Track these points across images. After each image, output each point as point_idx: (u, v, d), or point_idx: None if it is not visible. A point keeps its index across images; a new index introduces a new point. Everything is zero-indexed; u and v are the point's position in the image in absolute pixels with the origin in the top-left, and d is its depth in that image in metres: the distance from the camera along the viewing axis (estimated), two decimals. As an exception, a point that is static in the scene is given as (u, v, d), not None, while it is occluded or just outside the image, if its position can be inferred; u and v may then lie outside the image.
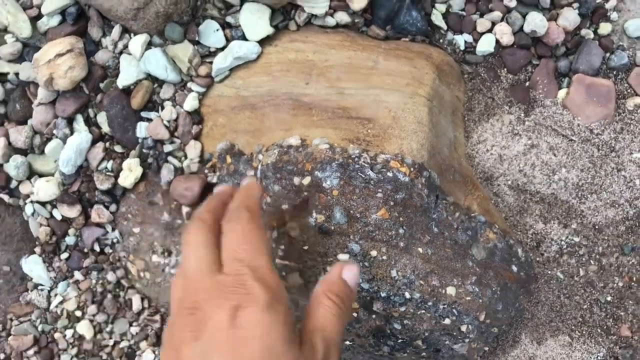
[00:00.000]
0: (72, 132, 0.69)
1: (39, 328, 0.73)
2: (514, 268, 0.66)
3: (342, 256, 0.58)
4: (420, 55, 0.67)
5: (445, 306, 0.61)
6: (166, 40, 0.66)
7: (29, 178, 0.70)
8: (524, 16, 0.69)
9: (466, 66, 0.71)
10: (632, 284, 0.70)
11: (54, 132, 0.68)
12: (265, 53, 0.67)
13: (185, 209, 0.68)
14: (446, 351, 0.64)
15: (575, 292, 0.71)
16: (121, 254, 0.73)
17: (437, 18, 0.69)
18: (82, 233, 0.72)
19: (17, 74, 0.68)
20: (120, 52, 0.67)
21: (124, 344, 0.73)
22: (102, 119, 0.69)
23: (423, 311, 0.61)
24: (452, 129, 0.68)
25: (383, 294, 0.59)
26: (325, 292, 0.48)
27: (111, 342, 0.73)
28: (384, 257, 0.58)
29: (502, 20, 0.70)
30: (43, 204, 0.71)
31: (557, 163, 0.69)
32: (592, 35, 0.71)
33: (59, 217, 0.71)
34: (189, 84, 0.68)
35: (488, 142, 0.70)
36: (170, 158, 0.68)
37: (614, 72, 0.71)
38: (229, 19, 0.67)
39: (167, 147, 0.68)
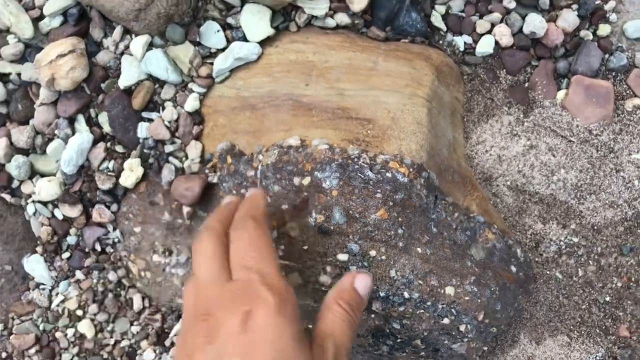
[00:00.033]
0: (73, 132, 0.69)
1: (41, 327, 0.74)
2: (513, 268, 0.66)
3: (342, 256, 0.58)
4: (420, 57, 0.67)
5: (444, 306, 0.61)
6: (167, 41, 0.66)
7: (30, 178, 0.71)
8: (523, 17, 0.69)
9: (465, 67, 0.71)
10: (631, 284, 0.71)
11: (56, 132, 0.69)
12: (266, 54, 0.67)
13: (186, 209, 0.68)
14: (445, 351, 0.64)
15: (574, 293, 0.71)
16: (122, 254, 0.73)
17: (436, 19, 0.69)
18: (83, 233, 0.72)
19: (19, 75, 0.69)
20: (122, 53, 0.68)
21: (124, 343, 0.73)
22: (103, 119, 0.69)
23: (422, 311, 0.61)
24: (451, 130, 0.68)
25: (382, 294, 0.60)
26: (336, 299, 0.50)
27: (112, 341, 0.74)
28: (383, 257, 0.58)
29: (501, 21, 0.70)
30: (45, 203, 0.71)
31: (556, 164, 0.70)
32: (591, 37, 0.71)
33: (60, 217, 0.71)
34: (190, 85, 0.68)
35: (487, 143, 0.70)
36: (171, 158, 0.69)
37: (613, 74, 0.72)
38: (229, 20, 0.67)
39: (168, 148, 0.68)
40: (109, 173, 0.69)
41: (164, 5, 0.63)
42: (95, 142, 0.69)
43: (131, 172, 0.69)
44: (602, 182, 0.70)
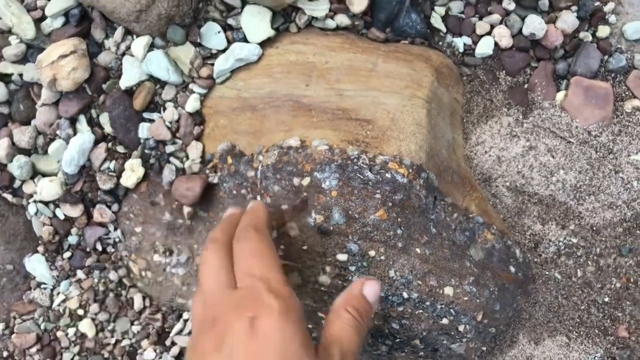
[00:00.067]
0: (75, 133, 0.69)
1: (42, 326, 0.74)
2: (512, 269, 0.66)
3: (341, 256, 0.58)
4: (419, 58, 0.67)
5: (443, 306, 0.61)
6: (168, 42, 0.67)
7: (32, 178, 0.71)
8: (522, 19, 0.70)
9: (465, 68, 0.71)
10: (630, 285, 0.71)
11: (57, 132, 0.69)
12: (266, 55, 0.68)
13: (186, 209, 0.68)
14: (444, 351, 0.65)
15: (573, 293, 0.71)
16: (123, 253, 0.73)
17: (436, 21, 0.70)
18: (84, 232, 0.73)
19: (21, 75, 0.69)
20: (123, 54, 0.68)
21: (125, 342, 0.74)
22: (104, 119, 0.69)
23: (421, 311, 0.61)
24: (451, 131, 0.69)
25: (381, 294, 0.60)
26: (345, 305, 0.51)
27: (113, 341, 0.74)
28: (382, 258, 0.58)
29: (501, 23, 0.70)
30: (46, 203, 0.71)
31: (555, 165, 0.70)
32: (590, 38, 0.71)
33: (61, 217, 0.72)
34: (191, 86, 0.68)
35: (486, 144, 0.71)
36: (172, 158, 0.69)
37: (612, 75, 0.72)
38: (230, 21, 0.67)
39: (169, 148, 0.69)
40: (110, 173, 0.70)
41: (164, 7, 0.63)
42: (96, 143, 0.69)
43: (132, 172, 0.69)
44: (601, 183, 0.70)
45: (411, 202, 0.58)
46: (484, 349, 0.67)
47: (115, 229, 0.73)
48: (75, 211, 0.71)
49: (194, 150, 0.68)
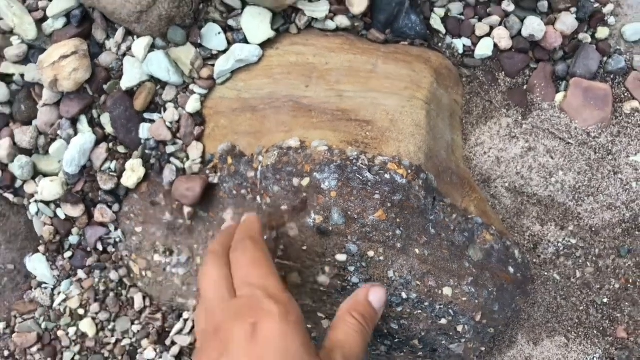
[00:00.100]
0: (76, 133, 0.70)
1: (43, 326, 0.74)
2: (511, 269, 0.67)
3: (340, 256, 0.58)
4: (419, 59, 0.67)
5: (442, 306, 0.61)
6: (169, 43, 0.67)
7: (33, 178, 0.71)
8: (522, 20, 0.70)
9: (464, 70, 0.72)
10: (629, 286, 0.71)
11: (58, 132, 0.69)
12: (267, 56, 0.68)
13: (186, 209, 0.69)
14: (443, 351, 0.65)
15: (572, 294, 0.71)
16: (124, 253, 0.74)
17: (436, 22, 0.70)
18: (85, 232, 0.73)
19: (22, 76, 0.69)
20: (124, 55, 0.68)
21: (125, 342, 0.74)
22: (105, 120, 0.70)
23: (419, 311, 0.61)
24: (450, 132, 0.69)
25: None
26: (350, 311, 0.52)
27: (113, 340, 0.74)
28: (381, 258, 0.59)
29: (500, 24, 0.70)
30: (47, 203, 0.72)
31: (554, 166, 0.70)
32: (589, 40, 0.71)
33: (62, 217, 0.72)
34: (191, 86, 0.69)
35: (486, 145, 0.71)
36: (172, 159, 0.69)
37: (611, 76, 0.72)
38: (230, 22, 0.67)
39: (170, 148, 0.69)
40: (110, 173, 0.70)
41: (165, 8, 0.63)
42: (97, 143, 0.70)
43: (133, 172, 0.69)
44: (600, 184, 0.70)
45: (410, 202, 0.59)
46: (483, 349, 0.68)
47: (116, 228, 0.73)
48: (76, 211, 0.71)
49: (195, 150, 0.68)
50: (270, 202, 0.60)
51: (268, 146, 0.62)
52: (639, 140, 0.70)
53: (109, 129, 0.70)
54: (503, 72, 0.72)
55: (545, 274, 0.71)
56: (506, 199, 0.71)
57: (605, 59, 0.72)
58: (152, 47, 0.67)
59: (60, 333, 0.74)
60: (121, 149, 0.70)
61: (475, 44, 0.71)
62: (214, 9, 0.67)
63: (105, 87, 0.69)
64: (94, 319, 0.74)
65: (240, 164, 0.65)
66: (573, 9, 0.70)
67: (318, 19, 0.68)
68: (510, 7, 0.70)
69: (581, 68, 0.71)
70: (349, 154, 0.59)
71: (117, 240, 0.73)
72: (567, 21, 0.69)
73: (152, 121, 0.69)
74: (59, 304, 0.74)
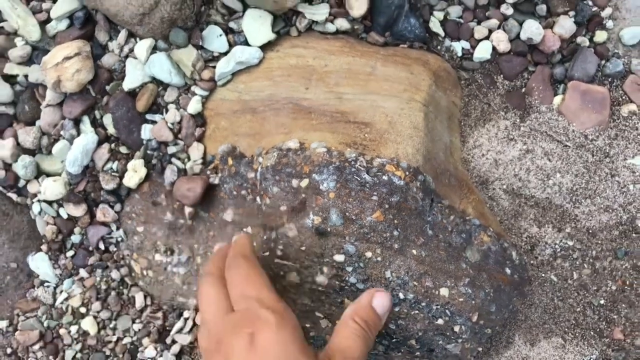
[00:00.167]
0: (78, 133, 0.70)
1: (45, 324, 0.75)
2: (508, 270, 0.67)
3: (338, 257, 0.59)
4: (418, 62, 0.68)
5: (439, 307, 0.62)
6: (171, 44, 0.68)
7: (36, 177, 0.72)
8: (520, 24, 0.70)
9: (463, 72, 0.72)
10: (625, 287, 0.71)
11: (61, 133, 0.70)
12: (267, 58, 0.68)
13: (187, 209, 0.69)
14: (440, 351, 0.65)
15: (569, 295, 0.72)
16: (125, 253, 0.74)
17: (435, 25, 0.70)
18: (87, 231, 0.73)
19: (26, 76, 0.70)
20: (126, 56, 0.69)
21: (126, 340, 0.74)
22: (107, 120, 0.70)
23: (416, 311, 0.62)
24: (448, 134, 0.69)
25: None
26: (353, 316, 0.53)
27: (114, 338, 0.74)
28: (379, 259, 0.59)
29: (499, 27, 0.71)
30: (50, 202, 0.72)
31: (552, 168, 0.71)
32: (587, 43, 0.72)
33: (65, 216, 0.73)
34: (193, 88, 0.69)
35: (484, 147, 0.71)
36: (173, 159, 0.70)
37: (609, 79, 0.72)
38: (232, 24, 0.68)
39: (171, 149, 0.70)
40: (113, 173, 0.71)
41: (167, 10, 0.64)
42: (99, 143, 0.70)
43: (134, 172, 0.70)
44: (598, 187, 0.71)
45: (408, 204, 0.59)
46: (480, 349, 0.68)
47: (118, 228, 0.74)
48: (78, 211, 0.72)
49: (196, 151, 0.69)
50: (270, 203, 0.61)
51: (268, 147, 0.63)
52: (637, 143, 0.71)
53: (111, 130, 0.70)
54: (501, 75, 0.72)
55: (543, 275, 0.71)
56: (504, 200, 0.71)
57: (603, 62, 0.72)
58: (154, 49, 0.68)
59: (62, 331, 0.75)
60: (123, 150, 0.71)
61: (473, 47, 0.71)
62: (216, 12, 0.68)
63: (107, 88, 0.70)
64: (95, 317, 0.74)
65: (240, 165, 0.66)
66: (571, 13, 0.71)
67: (318, 22, 0.68)
68: (509, 11, 0.70)
69: (579, 71, 0.71)
70: (347, 155, 0.59)
71: (119, 239, 0.74)
72: (566, 25, 0.70)
73: (153, 122, 0.70)
74: (61, 303, 0.75)
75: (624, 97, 0.72)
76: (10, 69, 0.70)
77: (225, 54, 0.68)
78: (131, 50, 0.68)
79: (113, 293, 0.75)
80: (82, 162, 0.69)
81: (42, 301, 0.75)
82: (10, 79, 0.71)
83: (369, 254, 0.59)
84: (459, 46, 0.71)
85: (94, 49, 0.69)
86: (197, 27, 0.68)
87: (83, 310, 0.74)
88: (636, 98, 0.72)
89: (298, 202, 0.59)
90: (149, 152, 0.70)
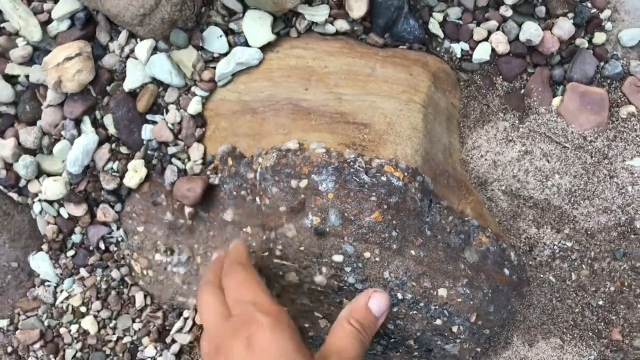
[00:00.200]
0: (79, 134, 0.70)
1: (45, 323, 0.75)
2: (506, 271, 0.67)
3: (337, 257, 0.59)
4: (417, 63, 0.68)
5: (437, 307, 0.62)
6: (171, 45, 0.68)
7: (37, 177, 0.72)
8: (519, 25, 0.71)
9: (462, 74, 0.72)
10: (624, 288, 0.72)
11: (62, 133, 0.70)
12: (267, 59, 0.69)
13: (187, 209, 0.69)
14: (438, 351, 0.66)
15: (567, 296, 0.72)
16: (125, 252, 0.74)
17: (434, 26, 0.71)
18: (87, 231, 0.74)
19: (27, 77, 0.70)
20: (127, 57, 0.69)
21: (126, 339, 0.74)
22: (108, 121, 0.70)
23: (415, 312, 0.62)
24: (447, 135, 0.69)
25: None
26: (348, 317, 0.54)
27: (114, 338, 0.75)
28: (377, 259, 0.60)
29: (498, 29, 0.71)
30: (51, 202, 0.73)
31: (551, 169, 0.71)
32: (586, 45, 0.72)
33: (65, 216, 0.73)
34: (193, 88, 0.69)
35: (482, 148, 0.72)
36: (173, 160, 0.70)
37: (608, 81, 0.73)
38: (232, 25, 0.68)
39: (171, 149, 0.70)
40: (113, 173, 0.71)
41: (168, 11, 0.64)
42: (100, 143, 0.71)
43: (135, 172, 0.70)
44: (596, 188, 0.71)
45: (406, 204, 0.60)
46: (478, 349, 0.68)
47: (118, 228, 0.74)
48: (79, 210, 0.72)
49: (196, 151, 0.69)
50: (269, 203, 0.61)
51: (267, 148, 0.63)
52: (635, 144, 0.71)
53: (111, 130, 0.71)
54: (500, 76, 0.73)
55: (541, 276, 0.72)
56: (502, 201, 0.71)
57: (602, 64, 0.72)
58: (155, 50, 0.68)
59: (62, 330, 0.75)
60: (124, 150, 0.71)
61: (473, 49, 0.72)
62: (216, 13, 0.68)
63: (108, 88, 0.70)
64: (95, 316, 0.75)
65: (240, 165, 0.66)
66: (570, 15, 0.71)
67: (318, 23, 0.69)
68: (508, 12, 0.70)
69: (578, 73, 0.71)
70: (346, 156, 0.60)
71: (119, 239, 0.74)
72: (565, 26, 0.70)
73: (154, 122, 0.70)
74: (62, 302, 0.75)
75: (622, 99, 0.72)
76: (11, 69, 0.70)
77: (226, 54, 0.69)
78: (132, 50, 0.69)
79: (113, 292, 0.75)
80: (83, 162, 0.70)
81: (43, 300, 0.75)
82: (12, 79, 0.71)
83: (367, 254, 0.59)
84: (458, 47, 0.71)
85: (94, 50, 0.69)
86: (198, 28, 0.68)
87: (83, 309, 0.75)
88: (635, 100, 0.72)
89: (297, 202, 0.59)
90: (149, 152, 0.71)
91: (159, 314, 0.75)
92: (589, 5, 0.71)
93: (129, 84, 0.69)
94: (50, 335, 0.75)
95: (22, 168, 0.70)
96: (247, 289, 0.52)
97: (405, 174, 0.59)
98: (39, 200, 0.73)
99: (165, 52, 0.68)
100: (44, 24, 0.69)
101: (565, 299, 0.72)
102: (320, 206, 0.58)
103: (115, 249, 0.75)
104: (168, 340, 0.74)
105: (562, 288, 0.72)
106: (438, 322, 0.63)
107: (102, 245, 0.74)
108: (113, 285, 0.75)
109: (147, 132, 0.70)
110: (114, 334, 0.75)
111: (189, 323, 0.74)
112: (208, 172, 0.69)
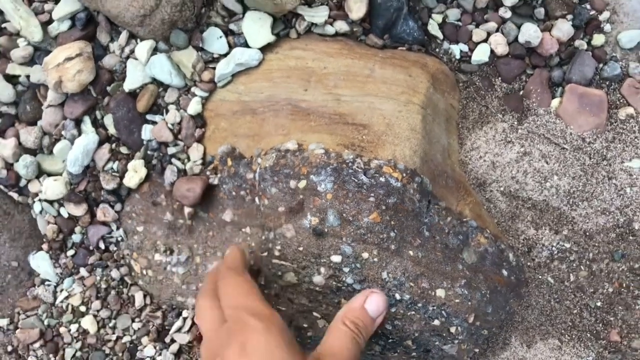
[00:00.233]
0: (79, 134, 0.71)
1: (45, 322, 0.75)
2: (505, 272, 0.67)
3: (335, 257, 0.59)
4: (416, 64, 0.68)
5: (435, 308, 0.62)
6: (171, 46, 0.68)
7: (37, 177, 0.73)
8: (518, 27, 0.71)
9: (461, 75, 0.72)
10: (622, 290, 0.72)
11: (63, 133, 0.71)
12: (267, 60, 0.69)
13: (187, 209, 0.70)
14: (436, 352, 0.66)
15: (566, 297, 0.72)
16: (125, 252, 0.75)
17: (433, 28, 0.71)
18: (87, 231, 0.74)
19: (28, 77, 0.71)
20: (127, 57, 0.69)
21: (126, 339, 0.75)
22: (108, 121, 0.71)
23: (413, 312, 0.62)
24: (446, 136, 0.70)
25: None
26: (344, 318, 0.54)
27: (114, 337, 0.75)
28: (375, 260, 0.60)
29: (497, 30, 0.71)
30: (51, 202, 0.73)
31: (549, 170, 0.71)
32: (585, 46, 0.72)
33: (65, 215, 0.73)
34: (193, 89, 0.70)
35: (481, 149, 0.72)
36: (173, 160, 0.70)
37: (607, 83, 0.73)
38: (232, 26, 0.69)
39: (171, 149, 0.70)
40: (113, 173, 0.71)
41: (168, 12, 0.65)
42: (100, 143, 0.71)
43: (135, 172, 0.70)
44: (595, 189, 0.71)
45: (405, 205, 0.60)
46: (476, 350, 0.68)
47: (118, 228, 0.74)
48: (79, 210, 0.72)
49: (195, 152, 0.70)
50: (268, 204, 0.61)
51: (266, 149, 0.64)
52: (634, 146, 0.71)
53: (111, 130, 0.71)
54: (499, 78, 0.73)
55: (539, 277, 0.72)
56: (501, 202, 0.72)
57: (600, 65, 0.72)
58: (155, 50, 0.68)
59: (62, 330, 0.75)
60: (124, 150, 0.71)
61: (472, 50, 0.72)
62: (216, 13, 0.68)
63: (108, 88, 0.70)
64: (95, 316, 0.75)
65: (239, 165, 0.66)
66: (569, 16, 0.71)
67: (317, 24, 0.69)
68: (507, 14, 0.70)
69: (577, 74, 0.72)
70: (345, 157, 0.60)
71: (119, 239, 0.74)
72: (564, 28, 0.70)
73: (154, 123, 0.70)
74: (62, 301, 0.75)
75: (621, 100, 0.72)
76: (12, 69, 0.70)
77: (225, 55, 0.69)
78: (132, 51, 0.69)
79: (113, 292, 0.75)
80: (83, 162, 0.70)
81: (43, 300, 0.76)
82: (13, 79, 0.71)
83: (365, 255, 0.59)
84: (457, 49, 0.72)
85: (95, 50, 0.69)
86: (198, 29, 0.68)
87: (83, 309, 0.75)
88: (633, 101, 0.72)
89: (296, 202, 0.60)
90: (149, 152, 0.71)
91: (158, 313, 0.75)
92: (588, 7, 0.71)
93: (129, 85, 0.69)
94: (50, 334, 0.75)
95: (22, 168, 0.70)
96: (239, 294, 0.52)
97: (404, 174, 0.60)
98: (39, 200, 0.73)
99: (165, 52, 0.68)
100: (45, 25, 0.70)
101: (564, 300, 0.72)
102: (319, 207, 0.59)
103: (115, 248, 0.75)
104: (167, 339, 0.74)
105: (560, 289, 0.72)
106: (436, 322, 0.63)
107: (102, 245, 0.74)
108: (113, 285, 0.75)
109: (147, 132, 0.70)
110: (113, 333, 0.75)
111: (188, 323, 0.74)
112: (207, 173, 0.69)
